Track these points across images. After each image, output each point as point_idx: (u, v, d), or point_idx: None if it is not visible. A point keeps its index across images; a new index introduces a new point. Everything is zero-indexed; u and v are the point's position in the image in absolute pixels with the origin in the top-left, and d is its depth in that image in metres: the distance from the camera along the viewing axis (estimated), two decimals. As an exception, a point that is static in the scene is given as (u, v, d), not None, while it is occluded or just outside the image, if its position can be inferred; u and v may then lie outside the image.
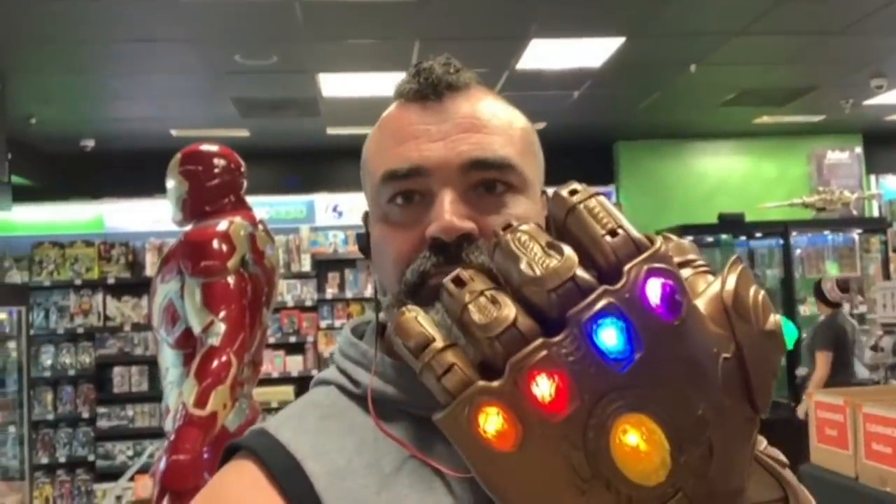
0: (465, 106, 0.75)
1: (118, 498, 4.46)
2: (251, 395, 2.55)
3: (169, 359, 2.45)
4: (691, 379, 0.40)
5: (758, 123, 7.16)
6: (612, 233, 0.41)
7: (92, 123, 6.31)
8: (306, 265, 6.39)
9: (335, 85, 5.36)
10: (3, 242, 6.37)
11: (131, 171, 6.61)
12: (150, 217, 6.55)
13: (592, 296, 0.39)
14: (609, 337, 0.39)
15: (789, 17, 4.43)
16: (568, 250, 0.41)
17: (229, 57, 4.73)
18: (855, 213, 7.20)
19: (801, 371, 5.94)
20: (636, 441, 0.39)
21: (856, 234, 7.12)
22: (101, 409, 6.02)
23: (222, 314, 2.27)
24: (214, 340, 2.22)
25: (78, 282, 6.05)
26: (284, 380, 6.11)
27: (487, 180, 0.72)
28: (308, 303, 6.34)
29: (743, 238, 7.12)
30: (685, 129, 7.33)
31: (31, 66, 4.80)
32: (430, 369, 0.41)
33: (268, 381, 5.80)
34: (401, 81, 0.78)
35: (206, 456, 2.14)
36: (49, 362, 5.99)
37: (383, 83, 5.06)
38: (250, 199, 2.64)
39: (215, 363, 2.19)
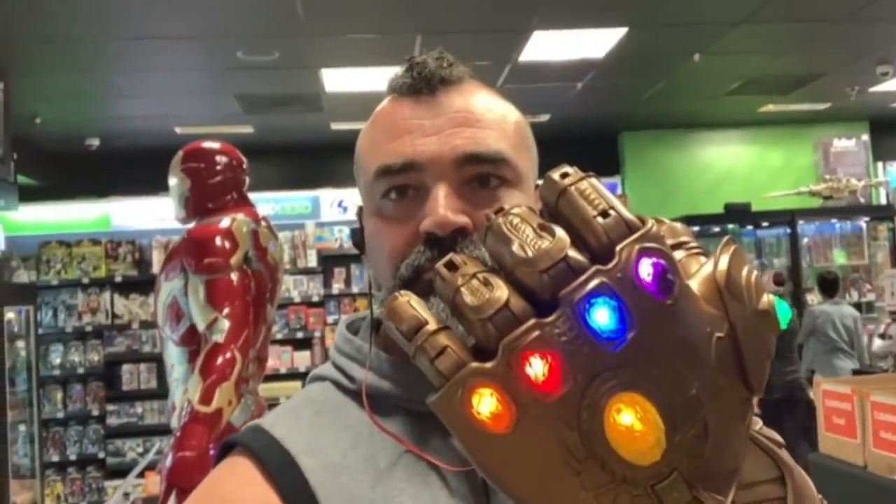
0: (459, 100, 0.74)
1: (126, 495, 4.48)
2: (257, 392, 2.55)
3: (174, 356, 2.46)
4: (685, 358, 0.40)
5: (763, 112, 7.12)
6: (604, 214, 0.41)
7: (96, 122, 6.33)
8: (312, 261, 6.39)
9: (338, 80, 5.36)
10: (10, 242, 6.40)
11: (136, 169, 6.63)
12: (157, 214, 6.57)
13: (584, 276, 0.39)
14: (602, 316, 0.39)
15: (793, 5, 4.40)
16: (559, 231, 0.41)
17: (231, 53, 4.74)
18: (862, 200, 7.17)
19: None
20: (630, 420, 0.39)
21: (863, 221, 7.09)
22: (111, 407, 6.05)
23: (226, 311, 2.27)
24: (219, 337, 2.22)
25: (85, 280, 6.08)
26: (292, 375, 6.12)
27: (481, 174, 0.72)
28: (314, 298, 6.35)
29: (749, 227, 7.10)
30: (690, 118, 7.31)
31: (35, 66, 4.81)
32: (423, 352, 0.41)
33: (275, 377, 5.82)
34: (394, 76, 0.77)
35: (211, 452, 2.14)
36: (58, 361, 6.02)
37: (386, 78, 5.02)
38: (255, 196, 2.65)
39: (220, 360, 2.20)
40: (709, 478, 0.41)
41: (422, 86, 0.75)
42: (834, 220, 7.08)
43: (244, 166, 2.63)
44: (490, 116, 0.74)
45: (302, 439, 0.70)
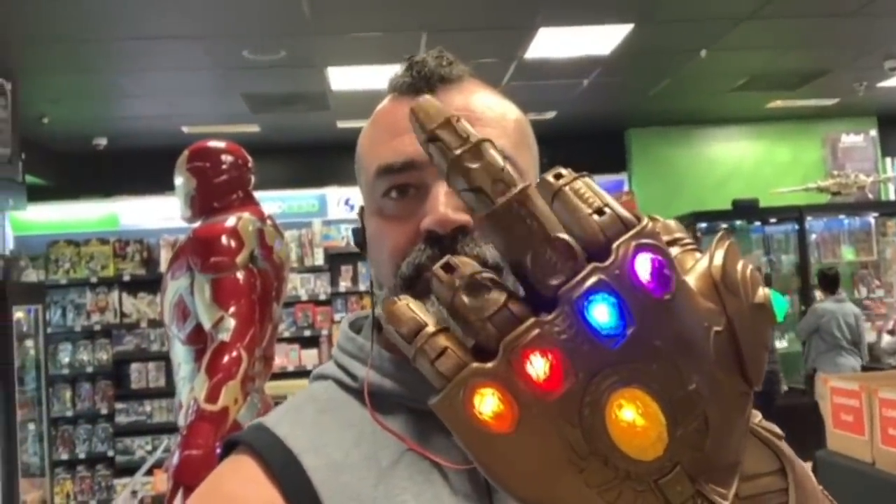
0: (459, 98, 0.74)
1: (134, 493, 4.50)
2: (263, 390, 2.56)
3: (181, 355, 2.47)
4: (684, 353, 0.40)
5: (770, 108, 7.10)
6: (599, 211, 0.41)
7: (104, 122, 6.36)
8: (319, 259, 6.41)
9: (344, 78, 5.37)
10: (18, 242, 6.44)
11: (144, 169, 6.65)
12: (164, 213, 6.59)
13: (583, 273, 0.39)
14: (601, 313, 0.39)
15: (799, 0, 4.39)
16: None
17: (237, 53, 4.75)
18: (871, 196, 7.14)
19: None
20: (632, 416, 0.39)
21: (872, 217, 7.06)
22: (119, 405, 6.08)
23: (232, 310, 2.28)
24: (224, 336, 2.23)
25: (94, 279, 6.10)
26: (299, 373, 6.14)
27: None
28: (322, 296, 6.36)
29: (757, 224, 7.08)
30: (697, 115, 7.28)
31: (43, 66, 4.83)
32: (423, 354, 0.41)
33: (283, 375, 5.83)
34: (394, 75, 0.78)
35: (218, 451, 2.15)
36: (67, 360, 6.05)
37: (391, 76, 5.07)
38: (262, 194, 2.65)
39: (226, 358, 2.21)
40: (711, 471, 0.41)
41: (421, 84, 0.75)
42: (842, 216, 7.05)
43: (249, 165, 2.63)
44: (490, 114, 0.74)
45: (305, 438, 0.70)
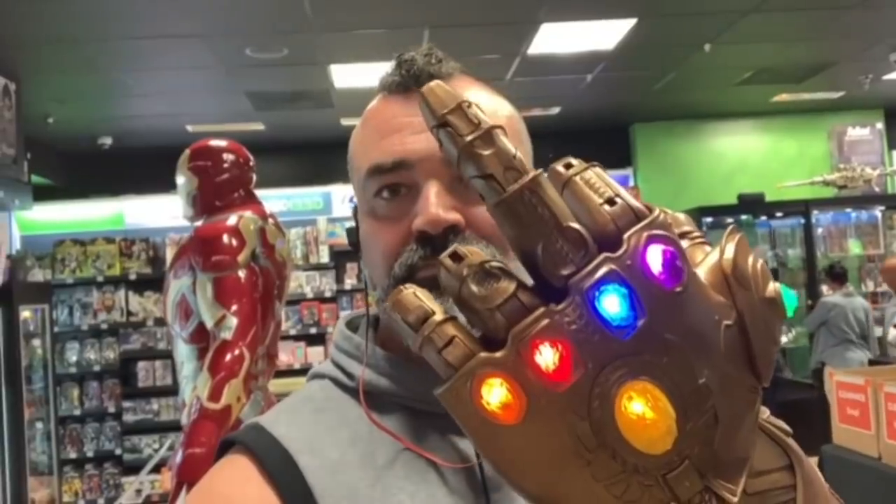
0: None
1: (138, 491, 4.52)
2: (266, 388, 2.57)
3: (184, 354, 2.48)
4: (694, 346, 0.40)
5: (776, 101, 7.07)
6: (610, 202, 0.40)
7: (108, 121, 6.37)
8: (324, 256, 6.41)
9: (347, 76, 5.37)
10: (25, 241, 6.46)
11: (149, 168, 6.66)
12: (170, 212, 6.60)
13: (594, 263, 0.38)
14: (611, 304, 0.38)
15: (804, -7, 4.37)
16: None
17: (240, 51, 4.75)
18: (877, 189, 7.11)
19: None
20: (641, 409, 0.39)
21: (878, 211, 7.03)
22: (127, 404, 6.10)
23: (234, 308, 2.28)
24: (227, 334, 2.24)
25: (100, 278, 6.12)
26: (305, 371, 6.06)
27: None
28: (327, 294, 6.37)
29: (763, 218, 7.06)
30: (702, 109, 7.26)
31: (47, 66, 4.85)
32: (430, 342, 0.40)
33: (289, 373, 5.84)
34: (383, 74, 0.78)
35: (219, 450, 2.15)
36: (74, 358, 6.07)
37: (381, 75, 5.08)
38: (267, 192, 2.66)
39: (228, 357, 2.21)
40: (719, 466, 0.41)
41: (411, 83, 0.75)
42: (849, 210, 7.02)
43: (251, 164, 2.64)
44: None
45: (301, 437, 0.70)
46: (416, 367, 0.74)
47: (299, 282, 6.19)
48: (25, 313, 4.93)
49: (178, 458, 2.16)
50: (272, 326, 2.54)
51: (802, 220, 6.80)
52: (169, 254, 6.10)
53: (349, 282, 6.42)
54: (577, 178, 0.41)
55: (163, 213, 6.77)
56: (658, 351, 0.39)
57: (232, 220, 2.44)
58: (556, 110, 6.77)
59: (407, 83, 0.75)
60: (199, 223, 2.53)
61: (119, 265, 6.15)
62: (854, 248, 6.98)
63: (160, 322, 6.11)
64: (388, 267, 0.72)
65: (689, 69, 5.80)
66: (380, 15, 4.36)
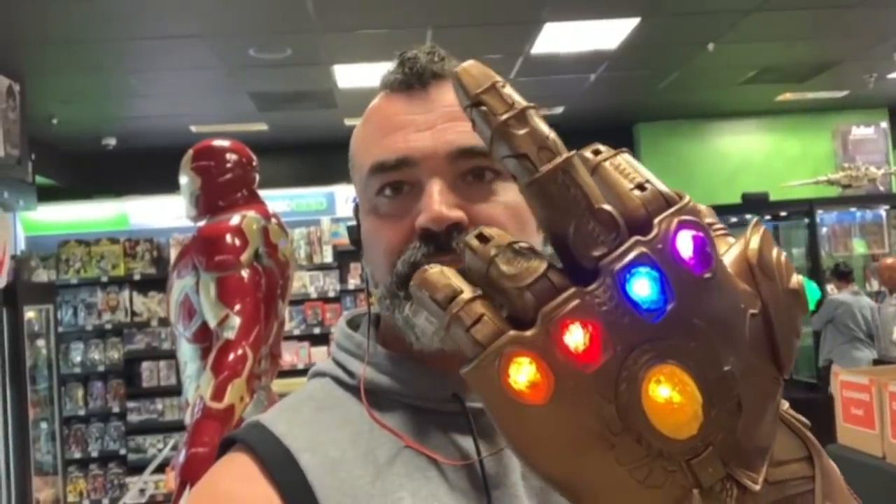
0: (451, 94, 0.74)
1: (142, 491, 4.53)
2: (270, 388, 2.57)
3: (187, 353, 2.49)
4: (721, 333, 0.40)
5: (780, 101, 7.06)
6: (640, 187, 0.41)
7: (112, 122, 6.39)
8: (328, 256, 6.41)
9: (350, 76, 5.37)
10: (29, 242, 6.47)
11: (153, 168, 6.67)
12: (174, 213, 6.60)
13: (625, 245, 0.39)
14: (642, 287, 0.38)
15: (807, -9, 4.36)
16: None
17: (244, 51, 4.76)
18: (882, 189, 7.08)
19: None
20: (668, 393, 0.39)
21: (883, 210, 7.01)
22: (131, 404, 6.11)
23: (237, 308, 2.29)
24: (230, 334, 2.24)
25: (104, 279, 6.13)
26: (309, 370, 6.15)
27: (476, 168, 0.72)
28: (331, 294, 6.37)
29: (767, 217, 7.03)
30: (706, 108, 7.25)
31: (50, 67, 4.86)
32: (458, 320, 0.40)
33: (293, 373, 5.85)
34: (386, 72, 0.78)
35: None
36: (78, 359, 6.08)
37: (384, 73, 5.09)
38: (271, 192, 2.66)
39: (231, 357, 2.21)
40: (742, 455, 0.41)
41: (413, 81, 0.75)
42: (853, 209, 7.00)
43: (254, 164, 2.64)
44: None
45: (302, 436, 0.71)
46: (417, 365, 0.74)
47: (303, 282, 6.19)
48: (30, 314, 4.94)
49: (182, 457, 2.16)
50: (275, 326, 2.54)
51: (806, 220, 6.78)
52: (173, 254, 6.10)
53: (353, 282, 6.42)
54: (607, 164, 0.41)
55: (167, 213, 6.77)
56: (686, 336, 0.39)
57: (235, 219, 2.44)
58: (559, 110, 6.77)
59: (410, 81, 0.75)
60: (202, 223, 2.54)
61: (123, 265, 6.16)
62: (858, 247, 6.96)
63: (164, 322, 6.12)
64: (391, 264, 0.72)
65: (692, 68, 5.80)
66: (383, 15, 4.36)
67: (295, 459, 0.68)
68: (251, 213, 2.49)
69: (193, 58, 4.86)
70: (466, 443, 0.71)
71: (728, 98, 6.88)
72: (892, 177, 7.43)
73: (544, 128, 0.41)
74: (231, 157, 2.57)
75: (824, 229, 6.91)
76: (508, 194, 0.73)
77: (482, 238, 0.41)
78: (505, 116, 0.40)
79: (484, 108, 0.41)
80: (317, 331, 6.29)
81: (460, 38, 4.60)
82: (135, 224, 6.85)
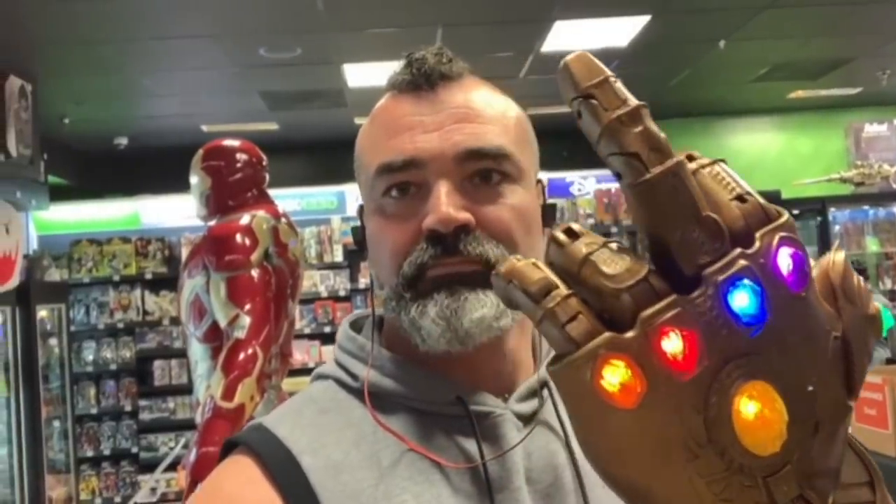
0: (459, 96, 0.74)
1: (153, 489, 4.55)
2: (280, 387, 2.58)
3: (197, 353, 2.50)
4: (808, 353, 0.40)
5: (792, 98, 7.01)
6: (741, 198, 0.40)
7: (124, 121, 6.41)
8: (338, 255, 6.42)
9: (360, 75, 5.37)
10: (41, 241, 6.50)
11: (165, 168, 6.68)
12: (185, 212, 6.61)
13: (729, 256, 0.38)
14: (742, 300, 0.38)
15: (820, -12, 4.33)
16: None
17: (254, 51, 4.77)
18: (895, 186, 7.03)
19: None
20: (758, 409, 0.38)
21: (896, 208, 6.95)
22: (143, 402, 6.13)
23: (247, 307, 2.29)
24: (240, 333, 2.25)
25: (116, 278, 6.16)
26: (320, 369, 6.16)
27: (483, 170, 0.72)
28: (341, 293, 6.38)
29: (779, 215, 6.99)
30: (717, 106, 7.21)
31: (62, 67, 4.88)
32: (553, 316, 0.39)
33: (304, 371, 5.85)
34: (393, 73, 0.77)
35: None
36: (91, 357, 6.12)
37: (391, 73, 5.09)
38: (281, 192, 2.66)
39: (241, 356, 2.22)
40: (815, 476, 0.40)
41: (421, 82, 0.74)
42: (866, 207, 6.95)
43: (264, 163, 2.64)
44: (491, 112, 0.74)
45: (304, 438, 0.70)
46: (420, 367, 0.74)
47: (313, 281, 6.20)
48: (42, 313, 4.98)
49: (192, 456, 2.17)
50: (285, 325, 2.54)
51: (819, 218, 6.74)
52: (184, 253, 6.12)
53: (363, 281, 6.42)
54: (705, 172, 0.41)
55: (178, 212, 6.78)
56: (778, 352, 0.39)
57: (245, 219, 2.45)
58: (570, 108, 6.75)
59: (418, 82, 0.75)
60: (212, 223, 2.55)
61: (135, 265, 6.19)
62: (872, 245, 6.91)
63: (176, 321, 6.14)
64: (397, 266, 0.72)
65: (703, 66, 5.77)
66: (393, 14, 4.36)
67: (297, 462, 0.68)
68: (261, 213, 2.49)
69: (204, 58, 4.88)
70: (470, 446, 0.71)
71: (739, 96, 6.84)
72: (905, 174, 7.37)
73: (657, 129, 0.40)
74: (241, 156, 2.58)
75: (837, 227, 6.86)
76: (515, 196, 0.73)
77: (570, 233, 0.40)
78: (618, 113, 0.39)
79: (594, 101, 0.40)
80: (327, 330, 6.30)
81: (471, 36, 4.59)
82: (146, 223, 6.88)
